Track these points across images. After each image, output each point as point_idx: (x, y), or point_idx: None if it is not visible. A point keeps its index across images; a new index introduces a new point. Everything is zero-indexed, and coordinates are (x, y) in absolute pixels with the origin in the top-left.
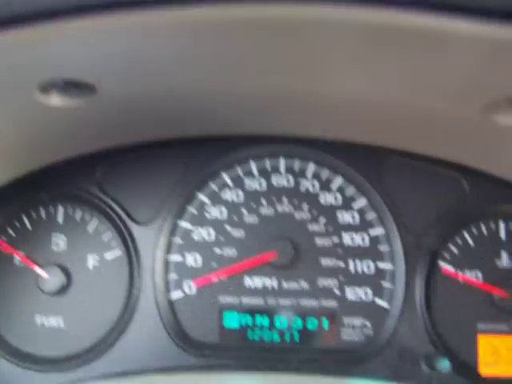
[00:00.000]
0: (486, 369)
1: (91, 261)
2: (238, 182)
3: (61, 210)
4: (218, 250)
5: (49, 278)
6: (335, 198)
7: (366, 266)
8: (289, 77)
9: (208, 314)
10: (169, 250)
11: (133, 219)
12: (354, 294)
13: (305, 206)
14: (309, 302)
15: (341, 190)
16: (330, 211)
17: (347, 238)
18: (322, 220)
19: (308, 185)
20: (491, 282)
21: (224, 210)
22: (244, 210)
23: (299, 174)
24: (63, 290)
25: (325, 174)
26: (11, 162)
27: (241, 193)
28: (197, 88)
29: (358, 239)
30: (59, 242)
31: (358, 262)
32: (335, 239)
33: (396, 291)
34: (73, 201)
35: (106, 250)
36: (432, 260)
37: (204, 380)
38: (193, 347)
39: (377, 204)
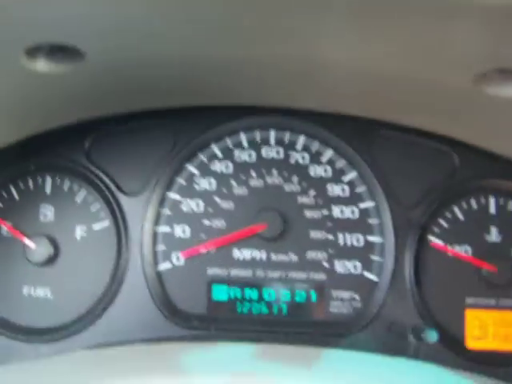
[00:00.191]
0: (472, 342)
1: (79, 232)
2: (228, 154)
3: (49, 180)
4: (206, 222)
5: (36, 248)
6: (325, 171)
7: (355, 239)
8: (280, 44)
9: (196, 285)
10: (157, 221)
11: (121, 190)
12: (342, 266)
13: (294, 179)
14: (297, 275)
15: (331, 162)
16: (319, 184)
17: (337, 211)
18: (312, 192)
19: (298, 157)
20: (480, 256)
21: (213, 181)
22: (233, 182)
23: (289, 146)
24: (51, 260)
25: (315, 146)
26: None
27: (230, 164)
28: (185, 54)
29: (347, 212)
30: (47, 213)
31: (347, 234)
32: (325, 212)
33: (385, 264)
34: (61, 171)
35: (94, 221)
36: (421, 234)
37: (191, 350)
38: (180, 318)
39: (367, 177)
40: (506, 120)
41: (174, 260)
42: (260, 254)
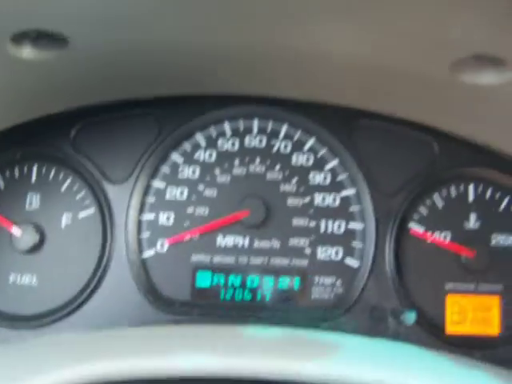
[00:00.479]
0: (452, 327)
1: (65, 219)
2: (211, 142)
3: (35, 168)
4: (190, 209)
5: (22, 236)
6: (307, 159)
7: (336, 226)
8: (266, 33)
9: (180, 272)
10: (142, 209)
11: (106, 178)
12: (324, 253)
13: (277, 167)
14: (280, 261)
15: (313, 150)
16: (302, 172)
17: (319, 199)
18: (294, 180)
19: (281, 145)
20: (459, 242)
21: (197, 169)
22: (217, 170)
23: (272, 135)
24: (36, 248)
25: (297, 134)
26: None
27: (214, 153)
28: (170, 41)
29: (329, 199)
30: (33, 201)
31: (329, 221)
32: (307, 199)
33: (366, 251)
34: (47, 160)
35: (80, 209)
36: (402, 221)
37: (175, 333)
38: (165, 305)
39: (348, 165)
40: (482, 108)
41: (159, 247)
42: (243, 241)
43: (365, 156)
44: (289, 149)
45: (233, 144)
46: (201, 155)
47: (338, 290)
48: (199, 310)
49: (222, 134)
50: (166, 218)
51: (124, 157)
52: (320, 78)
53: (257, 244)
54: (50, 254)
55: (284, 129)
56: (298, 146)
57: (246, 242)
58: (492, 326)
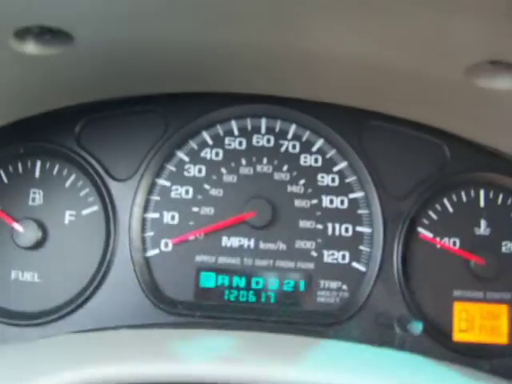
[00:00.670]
0: (459, 335)
1: (68, 216)
2: (218, 141)
3: (38, 164)
4: (195, 209)
5: (24, 232)
6: (315, 160)
7: (344, 229)
8: (275, 33)
9: (184, 272)
10: (146, 207)
11: (111, 175)
12: (331, 256)
13: (285, 167)
14: (286, 264)
15: (321, 152)
16: (309, 173)
17: (326, 201)
18: (302, 181)
19: (289, 145)
20: (469, 249)
21: (203, 168)
22: (223, 169)
23: (280, 135)
24: (39, 244)
25: (306, 135)
26: None
27: (220, 152)
28: (177, 39)
29: (337, 202)
30: (36, 197)
31: (336, 224)
32: (314, 201)
33: (373, 255)
34: (51, 155)
35: (83, 206)
36: (410, 225)
37: (177, 336)
38: (167, 305)
39: (357, 167)
40: (495, 112)
41: (163, 246)
42: (248, 242)
43: (374, 158)
44: (297, 149)
45: (240, 143)
46: (207, 154)
47: (344, 295)
48: (202, 311)
49: (229, 132)
50: (170, 217)
51: (129, 154)
52: (330, 79)
53: (262, 246)
54: (53, 251)
55: (292, 129)
56: (306, 147)
57: (252, 243)
58: (500, 335)
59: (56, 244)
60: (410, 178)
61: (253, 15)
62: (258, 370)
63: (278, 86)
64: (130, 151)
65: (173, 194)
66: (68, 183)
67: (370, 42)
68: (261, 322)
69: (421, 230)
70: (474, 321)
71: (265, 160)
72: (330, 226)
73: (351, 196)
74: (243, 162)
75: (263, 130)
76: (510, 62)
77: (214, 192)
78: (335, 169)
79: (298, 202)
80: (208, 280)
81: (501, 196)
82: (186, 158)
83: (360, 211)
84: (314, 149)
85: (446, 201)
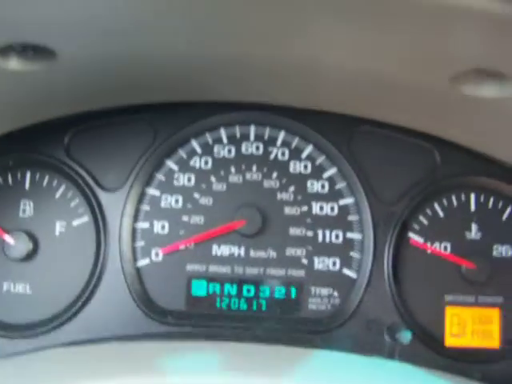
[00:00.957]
0: (451, 340)
1: (58, 227)
2: (207, 149)
3: (28, 175)
4: (185, 218)
5: (15, 244)
6: (305, 167)
7: (334, 236)
8: (263, 44)
9: (175, 281)
10: (136, 217)
11: (100, 186)
12: (322, 263)
13: (274, 174)
14: (276, 271)
15: (311, 158)
16: (299, 180)
17: (316, 207)
18: (292, 189)
19: (278, 153)
20: (460, 253)
21: (192, 177)
22: (213, 178)
23: (269, 142)
24: (30, 256)
25: (295, 142)
26: None
27: (210, 160)
28: (163, 53)
29: (327, 208)
30: (26, 208)
31: (326, 231)
32: (304, 208)
33: (364, 261)
34: (40, 167)
35: (74, 217)
36: (401, 230)
37: (169, 348)
38: (159, 315)
39: (347, 173)
40: (482, 119)
41: (153, 256)
42: (239, 251)
43: (364, 164)
44: (286, 156)
45: (229, 151)
46: (196, 162)
47: (336, 302)
48: (194, 320)
49: (218, 140)
50: (160, 227)
51: (118, 164)
52: (319, 88)
53: (253, 254)
54: (44, 263)
55: (281, 136)
56: (295, 154)
57: (242, 251)
58: (492, 339)
59: (47, 255)
60: (400, 183)
61: (241, 29)
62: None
63: (266, 95)
64: (120, 161)
65: (163, 204)
66: (58, 194)
67: (358, 53)
68: (252, 331)
69: (411, 235)
70: (466, 325)
71: (254, 168)
72: (320, 232)
73: (341, 202)
74: (232, 170)
75: (252, 137)
76: (495, 71)
77: (204, 201)
78: (325, 175)
79: (287, 210)
80: (200, 288)
81: (491, 200)
82: (176, 167)
83: (350, 217)
84: (304, 155)
85: (436, 205)
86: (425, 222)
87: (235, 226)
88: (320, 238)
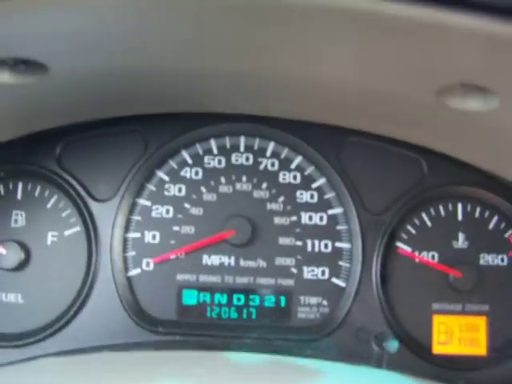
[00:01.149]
0: (438, 348)
1: (50, 237)
2: (198, 160)
3: (20, 186)
4: (176, 228)
5: (7, 254)
6: (294, 177)
7: (323, 245)
8: (253, 59)
9: (166, 291)
10: (127, 227)
11: (92, 196)
12: (311, 272)
13: (264, 185)
14: (266, 281)
15: (300, 169)
16: (288, 190)
17: (305, 217)
18: (281, 199)
19: (267, 163)
20: (447, 262)
21: (183, 187)
22: (203, 188)
23: (259, 153)
24: (22, 266)
25: (284, 152)
26: None
27: (200, 171)
28: (154, 67)
29: (316, 218)
30: (18, 218)
31: (315, 241)
32: (293, 218)
33: (353, 270)
34: (32, 177)
35: (65, 227)
36: (389, 240)
37: (159, 358)
38: (150, 324)
39: (336, 183)
40: (468, 131)
41: (144, 266)
42: (229, 260)
43: (352, 174)
44: (276, 167)
45: (219, 161)
46: (187, 173)
47: (325, 310)
48: (185, 329)
49: (208, 151)
50: (151, 237)
51: (109, 174)
52: (308, 100)
53: (243, 263)
54: (36, 273)
55: (271, 146)
56: (285, 164)
57: (232, 261)
58: (479, 347)
59: (39, 265)
60: (388, 193)
61: (230, 45)
62: None
63: (256, 106)
64: (111, 171)
65: (153, 214)
66: (50, 204)
67: (346, 68)
68: (242, 339)
69: (399, 244)
70: (453, 333)
71: (244, 178)
72: (309, 242)
73: (330, 212)
74: (222, 180)
75: (242, 148)
76: (479, 85)
77: (194, 211)
78: (314, 185)
79: (277, 220)
80: (190, 297)
81: (478, 209)
82: (166, 178)
83: (339, 227)
84: (293, 166)
85: (424, 215)
86: (412, 231)
87: (225, 235)
88: (309, 248)
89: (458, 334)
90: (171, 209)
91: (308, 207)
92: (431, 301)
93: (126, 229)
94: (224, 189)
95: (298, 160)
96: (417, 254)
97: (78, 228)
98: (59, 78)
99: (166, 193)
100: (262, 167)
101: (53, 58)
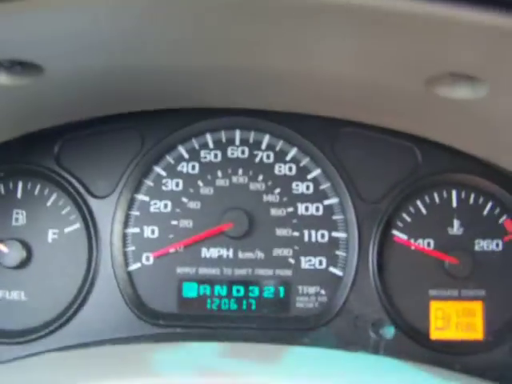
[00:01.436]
0: (436, 333)
1: (51, 235)
2: (194, 155)
3: (20, 185)
4: (174, 222)
5: (9, 252)
6: (290, 169)
7: (320, 235)
8: (244, 54)
9: (166, 284)
10: (126, 222)
11: (91, 193)
12: (308, 262)
13: (260, 177)
14: (264, 272)
15: (295, 160)
16: (284, 182)
17: (302, 208)
18: (277, 190)
19: (263, 156)
20: (443, 249)
21: (180, 182)
22: (200, 182)
23: (254, 146)
24: (24, 264)
25: (279, 145)
26: None
27: (197, 165)
28: (148, 65)
29: (312, 209)
30: (19, 217)
31: (312, 231)
32: (290, 209)
33: (349, 259)
34: (32, 176)
35: (65, 224)
36: (385, 228)
37: (161, 349)
38: (151, 317)
39: (331, 174)
40: (459, 119)
41: (144, 260)
42: (227, 252)
43: (347, 165)
44: (271, 159)
45: (215, 155)
46: (184, 167)
47: (323, 299)
48: (186, 321)
49: (204, 145)
50: (150, 231)
51: (108, 171)
52: (301, 93)
53: (241, 255)
54: (38, 270)
55: (266, 139)
56: (280, 156)
57: (231, 253)
58: (476, 331)
59: (41, 262)
60: (383, 182)
61: (225, 41)
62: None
63: (250, 100)
64: (109, 168)
65: (152, 209)
66: (50, 202)
67: (339, 61)
68: (242, 330)
69: (395, 232)
70: (450, 319)
71: (240, 171)
72: (306, 232)
73: (326, 202)
74: (219, 174)
75: (237, 141)
76: (467, 74)
77: (192, 205)
78: (309, 176)
79: (274, 211)
80: (190, 290)
81: (472, 196)
82: (164, 173)
83: (335, 217)
84: (288, 158)
85: (419, 203)
86: (408, 219)
87: (223, 228)
88: (306, 238)
89: (455, 320)
90: (169, 203)
91: (304, 198)
92: (428, 287)
93: (126, 224)
94: (221, 182)
95: (293, 152)
96: (413, 241)
97: (77, 225)
98: (55, 79)
99: (163, 188)
100: (257, 160)
101: (48, 60)
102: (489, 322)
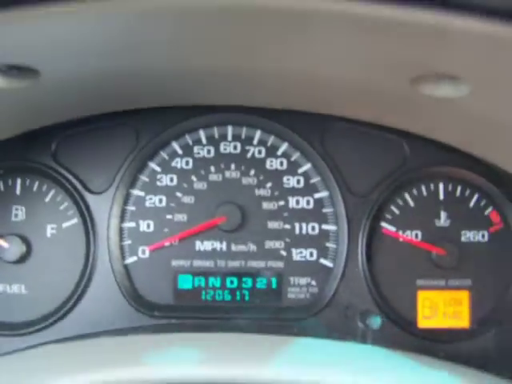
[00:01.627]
0: (423, 322)
1: (49, 230)
2: (188, 151)
3: (19, 182)
4: (169, 216)
5: (9, 247)
6: (281, 163)
7: (310, 228)
8: (236, 55)
9: (162, 277)
10: (123, 217)
11: (88, 189)
12: (299, 254)
13: (252, 172)
14: (257, 264)
15: (286, 155)
16: (276, 176)
17: (293, 202)
18: (269, 185)
19: (255, 151)
20: (430, 240)
21: (174, 177)
22: (193, 177)
23: (246, 141)
24: (23, 258)
25: (271, 140)
26: None
27: (190, 160)
28: (142, 66)
29: (303, 202)
30: (18, 213)
31: (303, 224)
32: (281, 203)
33: (339, 251)
34: (30, 173)
35: (63, 219)
36: (374, 221)
37: (158, 341)
38: (148, 309)
39: (321, 168)
40: (443, 116)
41: (140, 253)
42: (221, 245)
43: (336, 159)
44: (263, 154)
45: (208, 151)
46: (178, 163)
47: (313, 290)
48: (181, 312)
49: (197, 141)
50: (146, 226)
51: (104, 167)
52: (292, 91)
53: (234, 248)
54: (37, 264)
55: (258, 135)
56: (271, 151)
57: (224, 246)
58: (462, 319)
59: (40, 257)
60: (372, 175)
61: (220, 40)
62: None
63: (242, 97)
64: (105, 165)
65: (147, 204)
66: (48, 198)
67: (326, 61)
68: (236, 320)
69: (384, 224)
70: (438, 308)
71: (232, 166)
72: (297, 225)
73: (316, 196)
74: (212, 169)
75: (230, 137)
76: (449, 74)
77: (186, 199)
78: (300, 171)
79: (265, 205)
80: (186, 282)
81: (459, 188)
82: (158, 169)
83: (325, 210)
84: (279, 153)
85: (407, 195)
86: (396, 211)
87: (216, 222)
88: (297, 231)
89: (443, 309)
90: (164, 198)
91: (295, 192)
92: (415, 277)
93: (122, 219)
94: (214, 177)
95: (283, 147)
96: (401, 233)
97: (75, 220)
98: (51, 82)
99: (158, 183)
100: (249, 155)
101: (44, 64)
102: (474, 311)
